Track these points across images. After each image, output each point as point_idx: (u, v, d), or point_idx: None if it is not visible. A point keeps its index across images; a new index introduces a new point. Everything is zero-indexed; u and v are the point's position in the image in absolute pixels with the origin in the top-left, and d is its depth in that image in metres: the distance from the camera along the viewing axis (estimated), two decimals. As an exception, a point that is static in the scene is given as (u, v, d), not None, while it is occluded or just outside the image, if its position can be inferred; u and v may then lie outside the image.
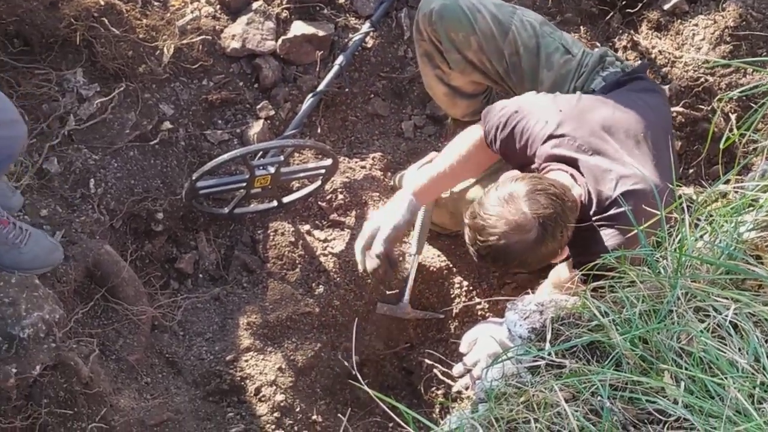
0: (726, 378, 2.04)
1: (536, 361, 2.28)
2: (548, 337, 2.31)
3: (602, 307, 2.26)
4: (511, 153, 3.63)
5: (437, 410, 4.07)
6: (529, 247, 3.12)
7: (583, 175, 3.36)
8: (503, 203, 3.14)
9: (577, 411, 2.08)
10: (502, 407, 2.20)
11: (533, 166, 3.49)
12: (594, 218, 3.30)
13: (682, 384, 2.07)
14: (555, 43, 3.90)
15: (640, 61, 4.62)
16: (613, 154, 3.37)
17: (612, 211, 3.25)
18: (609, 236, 3.24)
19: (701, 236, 2.47)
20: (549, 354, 2.26)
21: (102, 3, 4.05)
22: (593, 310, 2.25)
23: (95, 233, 3.89)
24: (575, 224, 3.27)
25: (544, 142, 3.44)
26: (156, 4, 4.31)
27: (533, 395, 2.17)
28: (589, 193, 3.32)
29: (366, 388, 2.31)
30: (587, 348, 2.27)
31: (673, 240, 2.43)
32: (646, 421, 2.07)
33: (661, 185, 3.25)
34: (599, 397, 2.09)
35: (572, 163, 3.38)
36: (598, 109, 3.54)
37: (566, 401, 2.09)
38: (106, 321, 3.80)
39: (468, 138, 3.82)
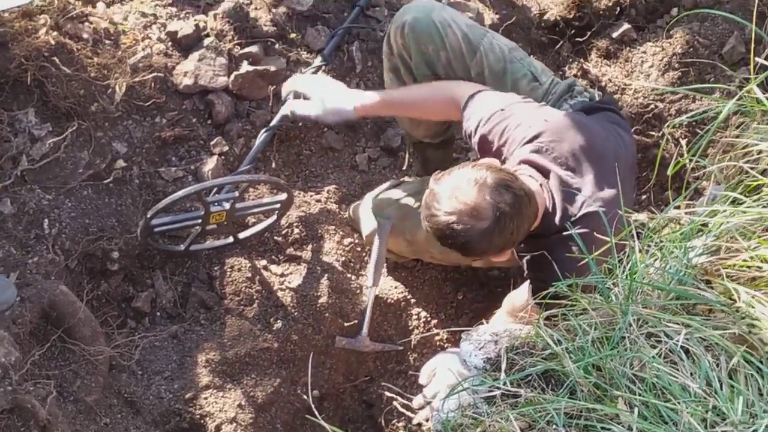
0: (679, 403, 2.05)
1: (492, 391, 2.29)
2: (503, 366, 2.31)
3: (555, 336, 2.27)
4: (485, 147, 3.63)
5: (398, 443, 4.07)
6: (476, 233, 3.12)
7: (551, 189, 3.38)
8: (471, 184, 3.13)
9: (532, 440, 2.09)
10: (459, 438, 2.21)
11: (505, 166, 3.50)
12: (555, 234, 3.32)
13: (636, 410, 2.08)
14: (523, 69, 3.93)
15: (605, 94, 4.67)
16: (586, 175, 3.40)
17: (574, 230, 3.26)
18: (566, 258, 3.26)
19: (652, 262, 2.50)
20: (504, 384, 2.27)
21: (53, 42, 4.04)
22: (546, 338, 2.26)
23: (50, 274, 3.86)
24: (536, 236, 3.29)
25: (523, 145, 3.47)
26: (107, 42, 4.29)
27: (489, 425, 2.18)
28: (554, 205, 3.34)
29: (323, 423, 2.31)
30: (542, 377, 2.28)
31: (624, 267, 2.45)
32: (601, 448, 2.08)
33: (619, 214, 3.29)
34: (554, 426, 2.10)
35: (545, 173, 3.41)
36: (580, 129, 3.55)
37: (522, 431, 2.10)
38: (63, 362, 3.76)
39: (444, 87, 3.88)
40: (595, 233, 3.08)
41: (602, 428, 2.08)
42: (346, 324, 4.19)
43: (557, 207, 3.34)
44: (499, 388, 2.27)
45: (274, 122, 4.42)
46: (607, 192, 3.35)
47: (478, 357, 2.42)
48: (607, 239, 2.58)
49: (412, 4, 4.08)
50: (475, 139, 3.67)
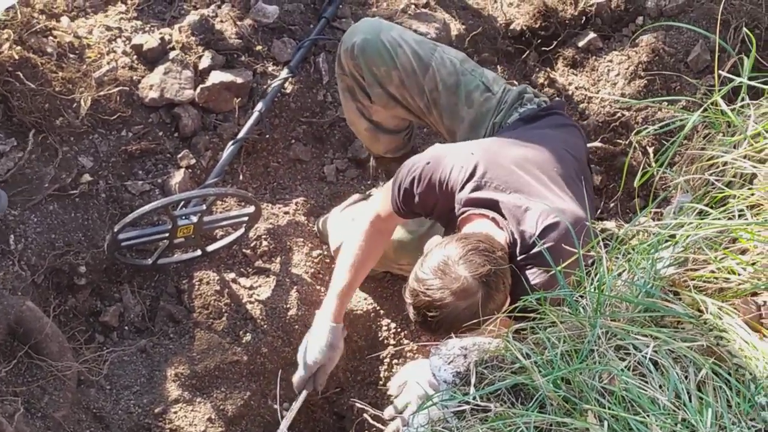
0: (648, 416, 2.06)
1: (461, 405, 2.28)
2: (473, 381, 2.31)
3: (524, 349, 2.27)
4: (434, 205, 3.61)
5: (369, 454, 4.06)
6: (479, 308, 3.09)
7: (504, 218, 3.37)
8: (441, 274, 3.09)
9: (503, 455, 2.09)
10: (429, 453, 2.21)
11: (455, 212, 3.49)
12: (519, 259, 3.30)
13: (606, 423, 2.08)
14: (476, 80, 3.94)
15: (556, 98, 4.69)
16: (531, 190, 3.38)
17: (536, 249, 3.26)
18: (533, 275, 3.24)
19: (619, 274, 2.50)
20: (474, 398, 2.26)
21: (16, 57, 4.02)
22: (515, 352, 2.26)
23: (17, 289, 3.83)
24: None
25: (462, 187, 3.44)
26: (72, 56, 4.27)
27: (459, 440, 2.18)
28: (512, 234, 3.33)
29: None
30: (511, 391, 2.28)
31: (592, 278, 2.45)
32: (572, 461, 2.08)
33: (580, 218, 3.28)
34: (525, 440, 2.10)
35: (493, 206, 3.38)
36: (510, 147, 3.56)
37: (491, 446, 2.10)
38: (31, 378, 3.74)
39: (360, 228, 3.85)
40: (562, 244, 3.09)
41: (572, 441, 2.08)
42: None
43: (515, 234, 3.32)
44: (468, 403, 2.26)
45: (241, 134, 4.41)
46: (558, 201, 3.34)
47: (448, 371, 2.41)
48: (572, 249, 2.58)
49: (360, 24, 4.09)
50: (414, 205, 3.63)
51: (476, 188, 3.41)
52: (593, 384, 2.16)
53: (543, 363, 2.25)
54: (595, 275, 2.45)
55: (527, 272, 3.28)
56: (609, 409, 2.10)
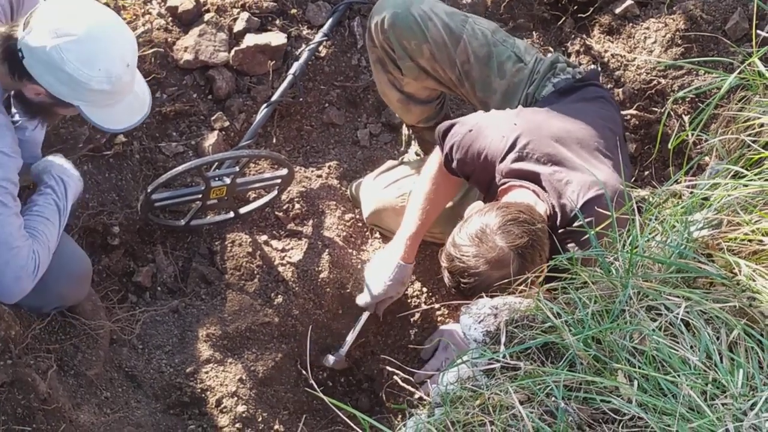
0: (678, 376, 2.05)
1: (491, 363, 2.29)
2: (503, 339, 2.31)
3: (555, 309, 2.27)
4: (471, 173, 3.63)
5: (399, 417, 4.06)
6: (512, 276, 3.08)
7: (545, 190, 3.36)
8: (477, 241, 3.12)
9: (532, 413, 2.08)
10: (458, 411, 2.21)
11: (496, 182, 3.48)
12: (560, 231, 3.29)
13: (636, 383, 2.08)
14: (507, 51, 3.92)
15: (592, 66, 4.65)
16: (572, 163, 3.38)
17: (577, 223, 3.24)
18: (575, 249, 3.24)
19: (653, 236, 2.49)
20: (504, 356, 2.27)
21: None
22: (546, 311, 2.26)
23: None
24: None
25: (504, 157, 3.44)
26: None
27: (488, 398, 2.18)
28: (553, 207, 3.32)
29: (321, 395, 2.31)
30: (541, 349, 2.28)
31: (625, 241, 2.45)
32: (600, 420, 2.08)
33: (620, 188, 3.27)
34: (554, 398, 2.10)
35: (534, 178, 3.38)
36: (552, 120, 3.55)
37: (521, 403, 2.10)
38: (64, 336, 3.76)
39: (428, 173, 3.84)
40: (598, 216, 3.08)
41: (602, 401, 2.07)
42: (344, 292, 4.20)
43: (555, 207, 3.32)
44: (498, 361, 2.26)
45: (274, 97, 4.41)
46: (598, 173, 3.32)
47: (478, 330, 2.42)
48: (609, 215, 2.57)
49: None
50: (454, 166, 3.68)
51: (518, 159, 3.42)
52: (624, 344, 2.16)
53: (573, 322, 2.25)
54: (628, 237, 2.44)
55: (568, 245, 3.27)
56: (639, 368, 2.10)
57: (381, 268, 3.97)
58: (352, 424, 2.38)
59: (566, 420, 2.06)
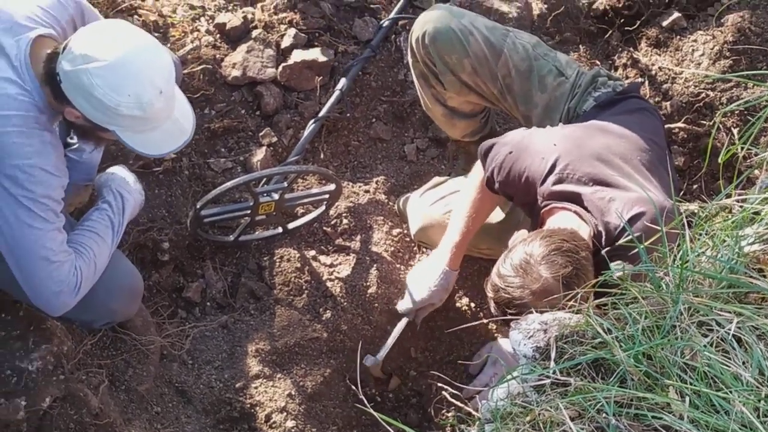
0: (731, 392, 2.04)
1: (541, 379, 2.28)
2: (553, 355, 2.30)
3: (605, 324, 2.26)
4: (513, 194, 3.63)
5: (447, 432, 4.07)
6: (557, 306, 3.07)
7: (588, 210, 3.34)
8: (522, 272, 3.11)
9: (582, 429, 2.07)
10: (508, 427, 2.20)
11: (538, 204, 3.48)
12: (605, 251, 3.27)
13: (687, 399, 2.06)
14: (548, 65, 3.92)
15: (639, 79, 4.64)
16: (614, 181, 3.35)
17: (623, 239, 3.22)
18: (622, 265, 3.22)
19: (703, 251, 2.47)
20: (554, 372, 2.26)
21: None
22: (596, 327, 2.25)
23: (102, 264, 3.90)
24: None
25: (544, 180, 3.43)
26: (156, 35, 4.32)
27: (539, 414, 2.17)
28: (596, 226, 3.30)
29: (371, 410, 2.31)
30: (591, 365, 2.26)
31: (675, 256, 2.43)
32: (652, 437, 2.07)
33: (665, 204, 3.25)
34: (604, 415, 2.09)
35: (576, 198, 3.36)
36: (592, 137, 3.53)
37: (572, 419, 2.09)
38: (115, 351, 3.80)
39: (472, 186, 3.84)
40: (648, 233, 3.06)
41: (653, 417, 2.06)
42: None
43: (599, 226, 3.30)
44: (548, 377, 2.25)
45: (322, 113, 4.44)
46: (643, 190, 3.29)
47: (527, 346, 2.41)
48: (657, 233, 2.56)
49: (430, 12, 4.08)
50: (497, 188, 3.68)
51: (558, 181, 3.40)
52: (675, 359, 2.14)
53: (624, 338, 2.23)
54: (678, 252, 2.42)
55: (614, 264, 3.24)
56: (691, 384, 2.08)
57: (426, 274, 3.98)
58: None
59: (617, 436, 2.06)
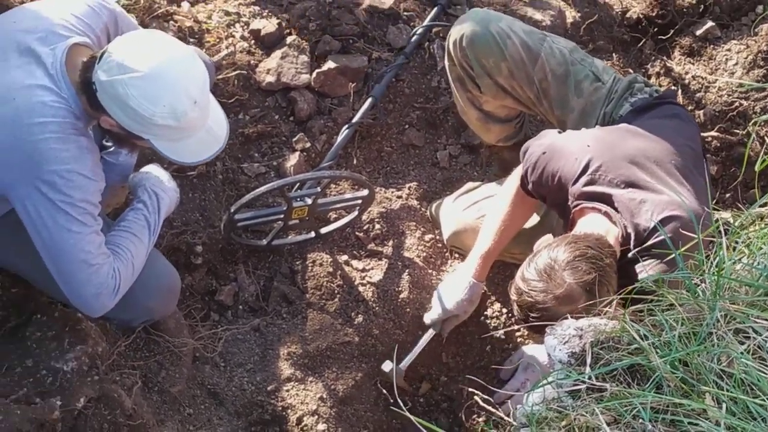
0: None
1: (577, 385, 2.29)
2: (588, 360, 2.31)
3: (642, 331, 2.26)
4: (546, 194, 3.63)
5: (477, 438, 4.07)
6: (579, 311, 3.08)
7: (618, 211, 3.34)
8: (546, 277, 3.11)
9: (618, 434, 2.08)
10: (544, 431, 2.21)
11: (568, 204, 3.48)
12: (634, 252, 3.27)
13: (724, 406, 2.07)
14: (585, 70, 3.92)
15: (672, 87, 4.64)
16: (647, 184, 3.35)
17: (651, 241, 3.23)
18: (649, 266, 3.21)
19: (739, 259, 2.48)
20: (589, 378, 2.26)
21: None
22: (633, 333, 2.26)
23: (136, 267, 3.92)
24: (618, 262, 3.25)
25: (576, 180, 3.43)
26: (191, 40, 4.36)
27: (574, 419, 2.18)
28: (625, 228, 3.30)
29: (409, 414, 2.33)
30: (627, 371, 2.27)
31: (711, 263, 2.43)
32: (688, 443, 2.07)
33: (698, 210, 3.24)
34: (641, 420, 2.09)
35: (606, 199, 3.37)
36: (626, 140, 3.53)
37: (608, 425, 2.10)
38: (148, 353, 3.82)
39: (507, 192, 3.85)
40: (674, 235, 3.06)
41: (689, 423, 2.07)
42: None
43: (628, 228, 3.29)
44: (584, 382, 2.26)
45: (356, 119, 4.45)
46: (675, 194, 3.30)
47: (563, 351, 2.42)
48: (692, 237, 2.56)
49: (468, 15, 4.09)
50: (530, 188, 3.68)
51: (590, 182, 3.40)
52: (711, 366, 2.15)
53: (660, 344, 2.24)
54: (714, 259, 2.43)
55: (641, 263, 3.25)
56: (727, 391, 2.09)
57: (453, 286, 3.99)
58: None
59: (653, 442, 2.06)
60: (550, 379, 2.39)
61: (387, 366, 4.03)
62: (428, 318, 4.08)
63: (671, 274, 2.53)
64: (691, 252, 2.57)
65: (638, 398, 2.12)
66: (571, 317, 2.86)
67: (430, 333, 4.09)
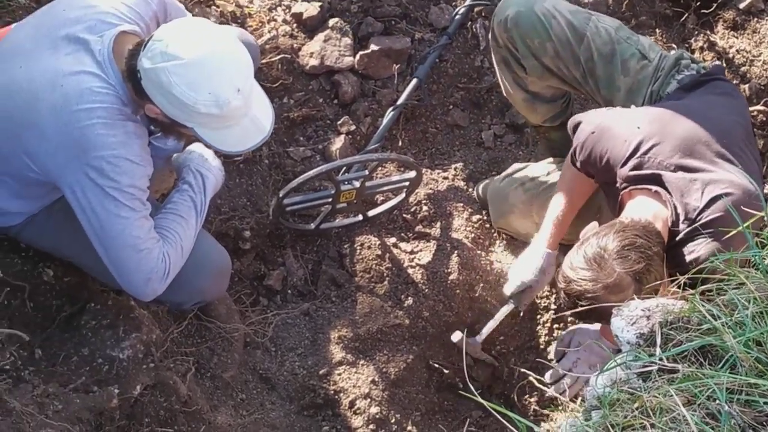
0: (844, 377, 2.03)
1: (647, 366, 2.27)
2: (658, 341, 2.30)
3: (713, 310, 2.25)
4: (594, 173, 3.62)
5: (531, 418, 4.06)
6: (629, 299, 3.06)
7: (668, 191, 3.32)
8: (595, 266, 3.09)
9: (694, 415, 2.07)
10: (617, 414, 2.20)
11: (616, 185, 3.46)
12: (685, 231, 3.25)
13: (800, 385, 2.05)
14: (631, 48, 3.88)
15: (717, 62, 4.60)
16: (697, 165, 3.31)
17: (703, 219, 3.21)
18: (701, 244, 3.19)
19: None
20: (660, 359, 2.25)
21: (184, 26, 4.11)
22: (704, 313, 2.24)
23: (186, 254, 3.93)
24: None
25: (625, 163, 3.40)
26: (234, 25, 4.35)
27: (647, 400, 2.17)
28: (675, 208, 3.27)
29: (480, 399, 2.32)
30: (698, 352, 2.26)
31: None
32: (765, 423, 2.05)
33: (748, 189, 3.21)
34: (716, 401, 2.08)
35: (656, 180, 3.35)
36: (677, 121, 3.48)
37: (683, 406, 2.08)
38: (200, 340, 3.84)
39: (566, 170, 3.83)
40: (727, 213, 3.04)
41: (765, 403, 2.05)
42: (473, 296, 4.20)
43: (678, 208, 3.27)
44: (655, 363, 2.25)
45: (401, 101, 4.44)
46: (725, 173, 3.27)
47: (630, 332, 2.40)
48: (750, 214, 2.54)
49: None
50: (579, 166, 3.67)
51: (638, 165, 3.37)
52: (786, 345, 2.13)
53: (732, 324, 2.22)
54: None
55: (693, 243, 3.23)
56: (803, 371, 2.08)
57: (528, 257, 3.96)
58: (507, 424, 2.38)
59: (730, 423, 2.05)
60: (618, 360, 2.38)
61: (456, 336, 4.01)
62: (507, 290, 4.04)
63: (741, 253, 2.50)
64: (741, 241, 2.55)
65: (713, 379, 2.11)
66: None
67: (507, 306, 4.05)
